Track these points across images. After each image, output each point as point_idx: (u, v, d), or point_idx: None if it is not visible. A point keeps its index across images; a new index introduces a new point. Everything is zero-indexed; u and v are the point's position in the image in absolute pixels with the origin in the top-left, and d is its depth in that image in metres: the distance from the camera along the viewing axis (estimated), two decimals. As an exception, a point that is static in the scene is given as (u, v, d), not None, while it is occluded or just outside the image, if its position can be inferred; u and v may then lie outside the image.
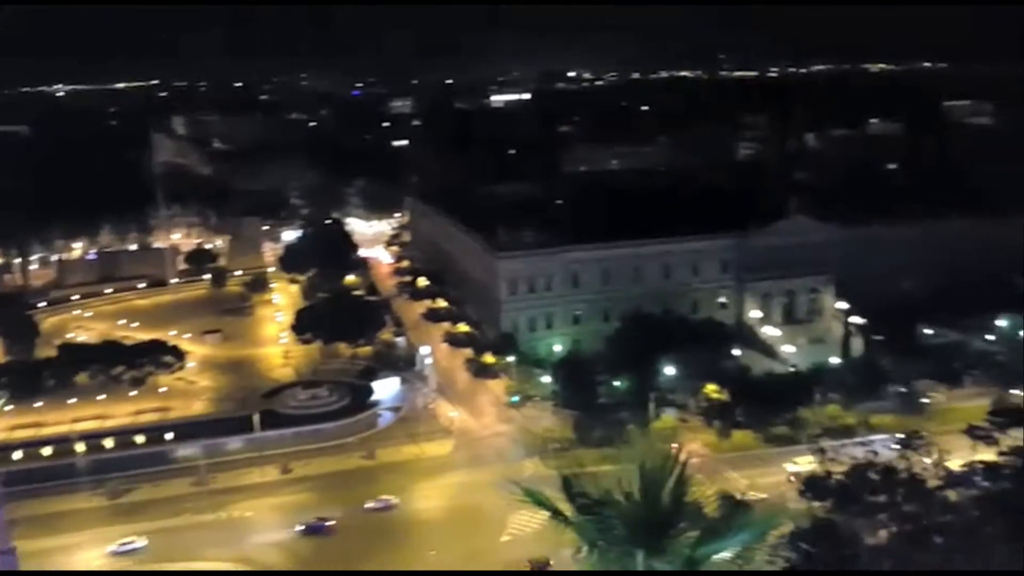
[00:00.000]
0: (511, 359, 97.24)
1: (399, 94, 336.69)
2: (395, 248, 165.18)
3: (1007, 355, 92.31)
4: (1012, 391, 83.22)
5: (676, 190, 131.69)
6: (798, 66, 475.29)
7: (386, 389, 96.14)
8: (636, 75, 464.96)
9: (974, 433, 73.44)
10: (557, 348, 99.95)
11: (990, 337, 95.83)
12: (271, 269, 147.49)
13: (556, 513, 15.24)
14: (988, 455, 67.71)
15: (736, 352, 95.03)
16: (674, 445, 73.20)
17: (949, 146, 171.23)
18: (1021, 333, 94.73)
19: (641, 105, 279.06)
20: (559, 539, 15.78)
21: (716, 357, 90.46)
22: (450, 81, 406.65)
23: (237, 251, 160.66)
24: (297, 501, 75.50)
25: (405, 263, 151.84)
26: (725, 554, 14.57)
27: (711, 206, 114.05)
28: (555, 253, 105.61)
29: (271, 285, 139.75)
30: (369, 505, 73.58)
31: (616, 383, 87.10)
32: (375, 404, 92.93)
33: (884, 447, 71.55)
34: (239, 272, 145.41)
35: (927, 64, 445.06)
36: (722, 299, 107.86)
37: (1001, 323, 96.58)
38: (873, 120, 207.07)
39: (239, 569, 66.43)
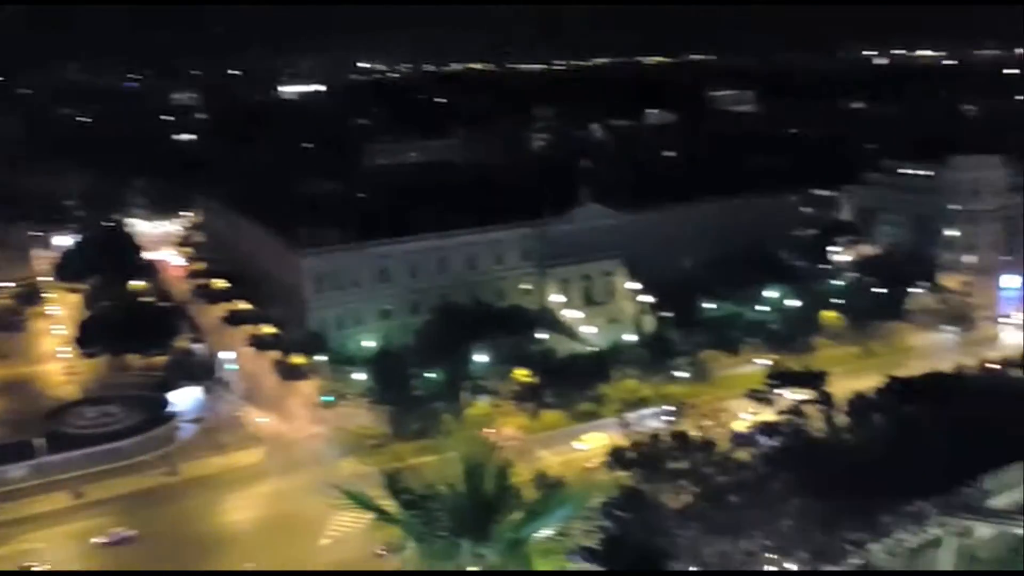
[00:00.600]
0: (321, 358, 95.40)
1: (180, 86, 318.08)
2: (187, 250, 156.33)
3: (778, 323, 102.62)
4: (785, 355, 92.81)
5: (476, 182, 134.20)
6: (581, 59, 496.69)
7: (186, 400, 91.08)
8: (430, 67, 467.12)
9: (754, 396, 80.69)
10: (368, 344, 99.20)
11: (763, 308, 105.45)
12: (45, 279, 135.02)
13: (380, 512, 15.13)
14: (768, 415, 74.80)
15: (542, 336, 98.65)
16: (489, 431, 75.77)
17: (718, 133, 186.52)
18: (790, 302, 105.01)
19: (436, 98, 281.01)
20: (383, 536, 15.73)
21: (523, 342, 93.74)
22: (235, 72, 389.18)
23: (2, 262, 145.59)
24: (93, 526, 70.07)
25: (199, 265, 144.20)
26: (547, 531, 14.84)
27: (510, 197, 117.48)
28: (361, 249, 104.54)
29: (46, 296, 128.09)
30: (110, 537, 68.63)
31: (429, 375, 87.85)
32: (174, 416, 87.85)
33: (674, 417, 77.83)
34: (6, 284, 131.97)
35: (697, 56, 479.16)
36: (526, 286, 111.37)
37: (772, 294, 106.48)
38: (651, 111, 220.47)
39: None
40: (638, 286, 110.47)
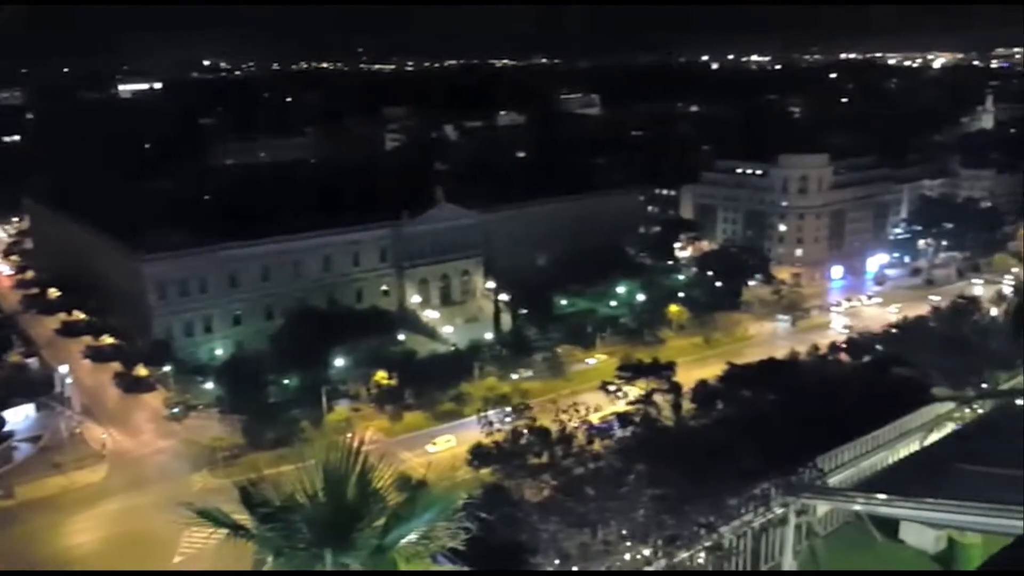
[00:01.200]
0: (167, 368, 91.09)
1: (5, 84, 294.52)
2: (15, 258, 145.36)
3: (628, 317, 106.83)
4: (635, 347, 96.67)
5: (329, 182, 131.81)
6: (432, 61, 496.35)
7: (19, 418, 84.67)
8: (276, 66, 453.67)
9: (607, 389, 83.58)
10: (218, 352, 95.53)
11: (613, 303, 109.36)
12: None
13: (234, 527, 14.69)
14: (620, 407, 77.71)
15: (401, 337, 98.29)
16: (349, 436, 74.27)
17: (566, 134, 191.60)
18: (638, 297, 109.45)
19: (285, 97, 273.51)
20: (239, 551, 15.26)
21: (383, 343, 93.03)
22: (67, 69, 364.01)
23: None
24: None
25: (29, 274, 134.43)
26: (412, 536, 14.89)
27: (365, 197, 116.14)
28: (207, 252, 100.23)
29: None
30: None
31: (285, 381, 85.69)
32: (7, 436, 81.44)
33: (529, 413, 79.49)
34: None
35: (544, 60, 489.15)
36: (384, 287, 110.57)
37: (622, 289, 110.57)
38: (502, 112, 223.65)
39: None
40: (494, 284, 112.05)
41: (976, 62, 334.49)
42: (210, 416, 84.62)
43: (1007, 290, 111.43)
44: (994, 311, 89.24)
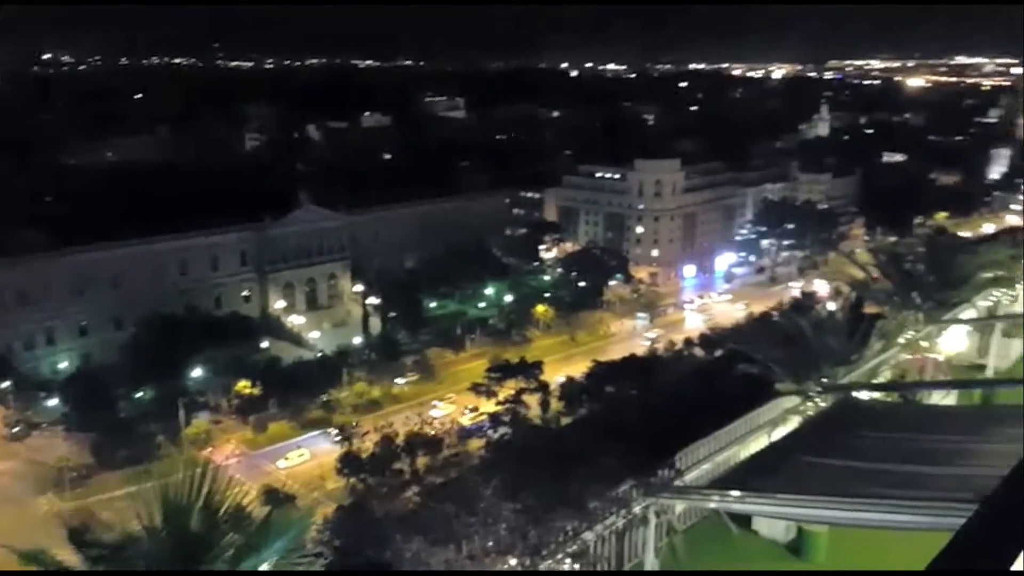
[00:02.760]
0: (6, 385, 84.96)
1: None
2: None
3: (496, 318, 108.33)
4: (504, 348, 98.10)
5: (184, 183, 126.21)
6: (293, 59, 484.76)
7: None
8: (125, 61, 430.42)
9: (478, 389, 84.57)
10: (63, 365, 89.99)
11: (482, 304, 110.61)
12: None
13: (62, 572, 13.51)
14: (490, 406, 78.78)
15: (265, 344, 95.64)
16: (207, 451, 71.71)
17: (432, 136, 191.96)
18: (506, 298, 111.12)
19: (134, 93, 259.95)
20: None
21: (245, 351, 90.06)
22: None
23: None
24: None
25: None
26: (265, 566, 13.89)
27: (223, 199, 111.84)
28: (49, 258, 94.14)
29: None
30: None
31: (138, 394, 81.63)
32: None
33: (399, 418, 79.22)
34: None
35: (408, 62, 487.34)
36: (245, 292, 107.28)
37: (489, 291, 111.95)
38: (366, 113, 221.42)
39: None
40: (363, 288, 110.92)
41: (812, 73, 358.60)
42: (55, 434, 79.56)
43: (843, 288, 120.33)
44: (831, 306, 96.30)
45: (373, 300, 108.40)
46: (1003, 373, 20.23)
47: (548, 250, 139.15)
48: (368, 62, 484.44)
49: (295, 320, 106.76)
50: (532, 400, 76.88)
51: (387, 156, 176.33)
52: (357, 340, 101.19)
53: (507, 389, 79.48)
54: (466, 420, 78.67)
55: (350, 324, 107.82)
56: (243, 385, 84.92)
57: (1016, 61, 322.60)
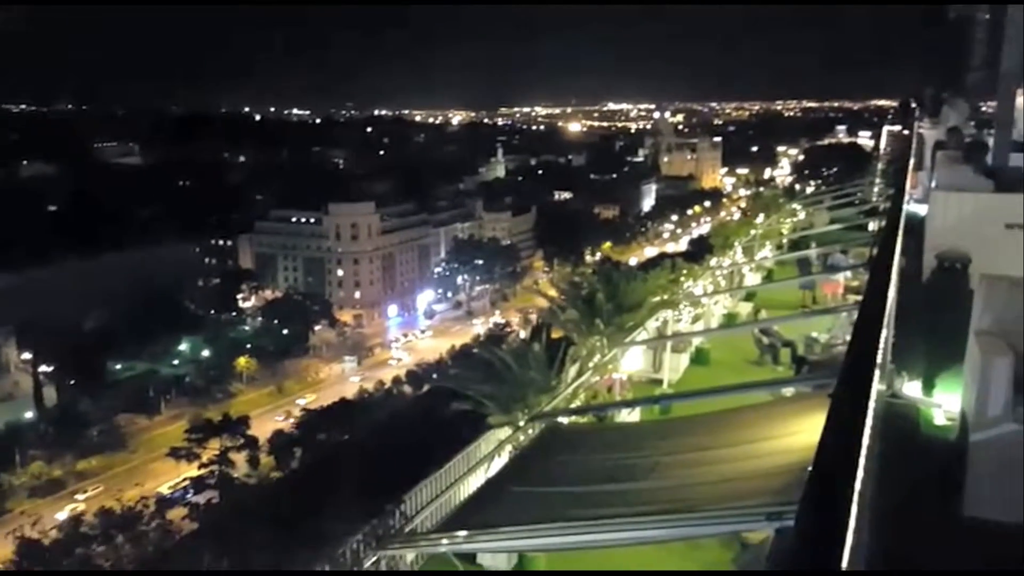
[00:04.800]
0: None
1: None
2: None
3: (193, 375, 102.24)
4: (205, 406, 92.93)
5: None
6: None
7: None
8: None
9: (177, 453, 79.26)
10: None
11: (176, 362, 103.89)
12: None
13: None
14: (192, 470, 74.28)
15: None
16: None
17: (106, 185, 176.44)
18: (203, 353, 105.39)
19: None
20: None
21: None
22: None
23: None
24: None
25: None
26: None
27: None
28: None
29: None
30: None
31: None
32: None
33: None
34: None
35: (69, 106, 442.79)
36: None
37: (183, 347, 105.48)
38: (25, 162, 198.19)
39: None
40: (33, 355, 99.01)
41: (486, 119, 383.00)
42: None
43: (533, 317, 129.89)
44: (525, 336, 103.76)
45: (46, 368, 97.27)
46: (675, 385, 23.64)
47: (246, 299, 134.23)
48: (22, 106, 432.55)
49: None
50: (239, 458, 73.80)
51: (52, 208, 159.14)
52: (29, 415, 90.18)
53: (211, 450, 75.64)
54: (166, 488, 73.48)
55: (19, 397, 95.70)
56: None
57: (654, 106, 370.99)
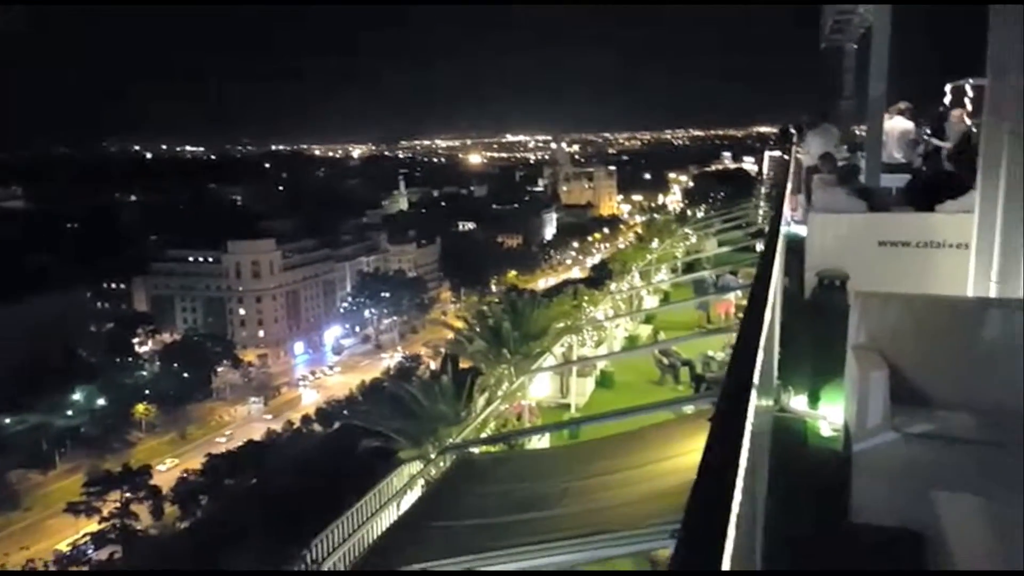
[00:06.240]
0: None
1: None
2: None
3: (89, 425, 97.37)
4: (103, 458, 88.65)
5: None
6: None
7: None
8: None
9: (75, 508, 75.44)
10: None
11: (70, 412, 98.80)
12: None
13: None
14: (92, 525, 70.82)
15: None
16: None
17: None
18: (98, 402, 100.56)
19: None
20: None
21: None
22: None
23: None
24: None
25: None
26: None
27: None
28: None
29: None
30: None
31: None
32: None
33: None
34: None
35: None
36: None
37: (77, 396, 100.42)
38: None
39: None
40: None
41: (386, 152, 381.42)
42: None
43: (442, 349, 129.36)
44: (435, 367, 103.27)
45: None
46: (582, 408, 23.96)
47: (143, 343, 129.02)
48: None
49: None
50: (142, 509, 70.76)
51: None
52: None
53: (111, 502, 72.39)
54: (64, 546, 69.66)
55: None
56: None
57: (551, 137, 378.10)
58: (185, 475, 77.49)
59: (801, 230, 14.35)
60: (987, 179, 8.78)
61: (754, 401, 3.22)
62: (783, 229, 14.65)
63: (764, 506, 6.13)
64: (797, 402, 8.91)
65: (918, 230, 11.87)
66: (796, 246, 13.35)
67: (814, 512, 6.72)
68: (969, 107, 18.03)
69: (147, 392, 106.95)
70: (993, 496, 5.25)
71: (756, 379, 3.55)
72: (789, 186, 15.62)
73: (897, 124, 19.56)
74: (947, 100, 21.01)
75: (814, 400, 8.84)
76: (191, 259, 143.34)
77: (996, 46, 8.52)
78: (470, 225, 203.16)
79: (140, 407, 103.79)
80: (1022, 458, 6.23)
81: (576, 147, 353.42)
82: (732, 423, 2.99)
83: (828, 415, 8.49)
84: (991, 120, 8.93)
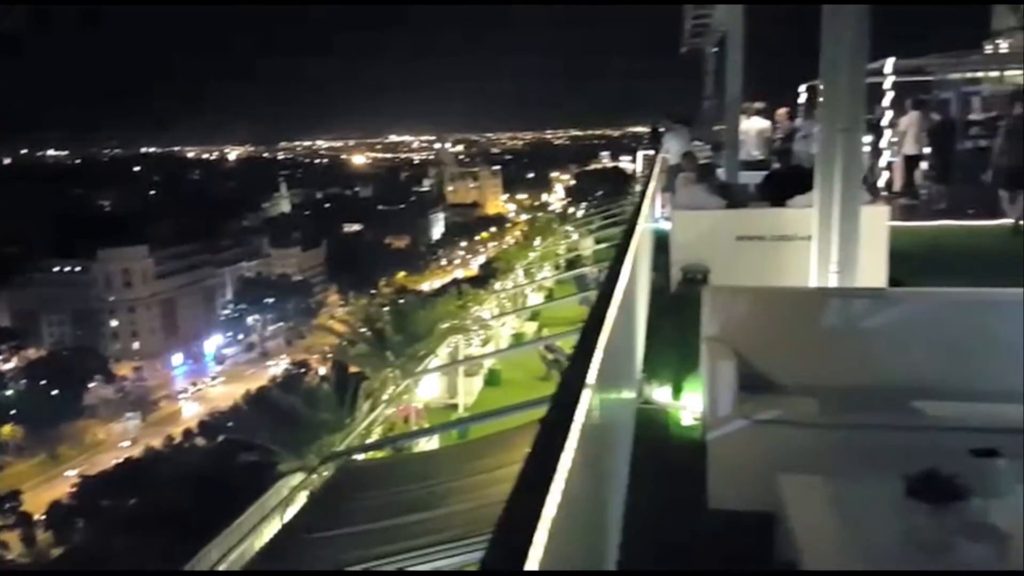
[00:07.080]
0: None
1: None
2: None
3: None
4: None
5: None
6: None
7: None
8: None
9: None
10: None
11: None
12: None
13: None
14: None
15: None
16: None
17: None
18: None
19: None
20: None
21: None
22: None
23: None
24: None
25: None
26: None
27: None
28: None
29: None
30: None
31: None
32: None
33: None
34: None
35: None
36: None
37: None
38: None
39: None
40: None
41: (266, 154, 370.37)
42: None
43: (328, 355, 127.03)
44: (321, 373, 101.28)
45: None
46: (470, 407, 24.11)
47: (6, 360, 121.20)
48: None
49: None
50: (12, 537, 66.63)
51: None
52: None
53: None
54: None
55: None
56: None
57: (435, 137, 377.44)
58: (57, 499, 73.34)
59: (667, 226, 14.92)
60: (824, 174, 9.37)
61: (587, 400, 3.36)
62: (652, 226, 15.22)
63: (625, 499, 6.36)
64: (660, 394, 9.28)
65: (771, 224, 12.54)
66: (664, 242, 13.87)
67: (675, 501, 7.01)
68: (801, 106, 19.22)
69: (12, 413, 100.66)
70: (834, 475, 5.63)
71: (592, 378, 3.70)
72: (653, 184, 16.19)
73: (754, 123, 20.61)
74: (801, 100, 22.28)
75: (677, 391, 9.22)
76: (57, 269, 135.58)
77: (828, 46, 9.06)
78: (356, 227, 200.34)
79: (6, 428, 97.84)
80: (861, 438, 6.69)
81: (460, 147, 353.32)
82: (558, 423, 3.10)
83: (688, 404, 8.89)
84: (825, 118, 9.52)
